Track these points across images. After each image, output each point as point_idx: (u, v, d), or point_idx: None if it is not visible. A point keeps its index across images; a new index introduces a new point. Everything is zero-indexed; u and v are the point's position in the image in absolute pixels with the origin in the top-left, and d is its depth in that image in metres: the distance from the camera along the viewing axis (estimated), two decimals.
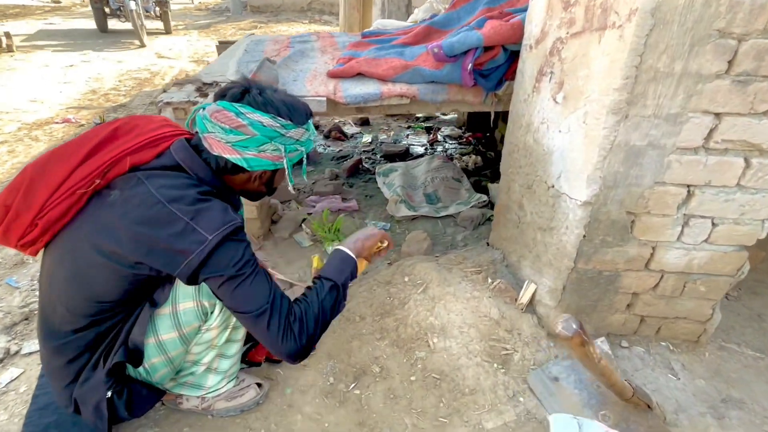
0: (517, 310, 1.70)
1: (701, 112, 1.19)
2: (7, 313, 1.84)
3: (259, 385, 1.46)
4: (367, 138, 3.91)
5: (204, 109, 1.09)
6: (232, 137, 1.05)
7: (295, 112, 1.09)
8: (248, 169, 1.10)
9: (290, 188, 1.20)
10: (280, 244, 2.33)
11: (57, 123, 4.03)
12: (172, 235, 0.97)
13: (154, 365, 1.18)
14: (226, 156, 1.07)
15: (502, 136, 3.47)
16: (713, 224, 1.36)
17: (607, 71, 1.19)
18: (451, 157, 3.23)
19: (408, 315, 1.72)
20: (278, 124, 1.06)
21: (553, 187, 1.52)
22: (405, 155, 3.46)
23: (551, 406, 1.41)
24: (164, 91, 1.85)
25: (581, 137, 1.33)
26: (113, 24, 8.68)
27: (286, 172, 1.15)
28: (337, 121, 4.32)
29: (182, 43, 8.23)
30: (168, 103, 1.72)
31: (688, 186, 1.31)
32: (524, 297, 1.70)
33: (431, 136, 3.91)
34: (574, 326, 0.89)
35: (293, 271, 2.10)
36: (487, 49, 1.77)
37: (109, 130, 1.10)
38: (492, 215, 2.49)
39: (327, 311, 1.13)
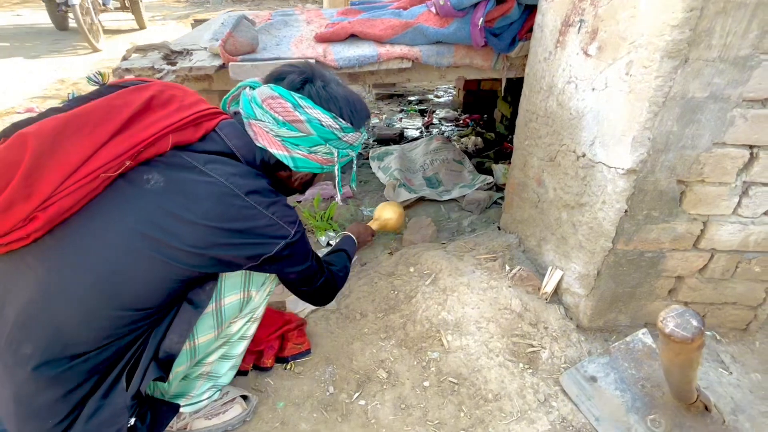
0: (542, 301, 1.48)
1: None
2: None
3: (245, 398, 1.22)
4: None
5: (253, 89, 0.97)
6: (284, 131, 0.94)
7: (358, 114, 1.00)
8: (293, 169, 1.00)
9: (338, 199, 1.19)
10: None
11: (19, 113, 3.70)
12: (255, 231, 0.89)
13: (177, 374, 1.02)
14: (272, 150, 0.96)
15: (503, 116, 3.27)
16: None
17: (662, 5, 0.97)
18: (449, 139, 3.00)
19: (416, 310, 1.50)
20: (338, 126, 0.96)
21: (584, 156, 1.30)
22: (399, 139, 3.23)
23: (590, 411, 1.21)
24: (124, 58, 1.58)
25: (624, 93, 1.11)
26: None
27: (336, 180, 1.07)
28: None
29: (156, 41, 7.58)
30: (128, 70, 1.45)
31: (751, 147, 1.10)
32: (549, 285, 1.48)
33: (426, 118, 3.67)
34: (695, 323, 0.67)
35: None
36: (499, 2, 1.54)
37: (143, 99, 0.85)
38: (499, 197, 2.28)
39: (346, 276, 1.29)
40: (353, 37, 1.72)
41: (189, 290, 0.95)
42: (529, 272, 1.54)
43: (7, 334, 0.81)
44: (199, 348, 1.01)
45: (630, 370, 1.27)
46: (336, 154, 1.00)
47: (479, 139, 3.07)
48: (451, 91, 4.53)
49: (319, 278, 1.11)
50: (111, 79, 0.98)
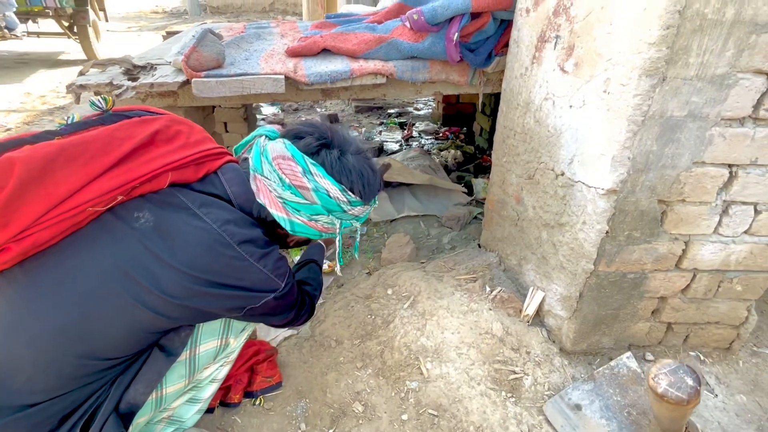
0: (523, 324, 1.43)
1: (752, 72, 0.96)
2: None
3: None
4: None
5: (270, 139, 0.93)
6: (287, 195, 0.88)
7: (369, 188, 0.94)
8: (290, 232, 0.95)
9: (338, 269, 1.23)
10: None
11: None
12: (243, 284, 0.84)
13: (137, 425, 0.92)
14: (271, 210, 0.90)
15: (482, 129, 3.26)
16: (756, 211, 1.14)
17: (640, 22, 0.94)
18: (428, 152, 2.97)
19: (394, 336, 1.42)
20: (345, 199, 0.91)
21: (563, 174, 1.26)
22: (379, 153, 3.18)
23: None
24: (81, 73, 1.48)
25: (602, 111, 1.08)
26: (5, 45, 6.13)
27: (337, 250, 1.04)
28: (303, 118, 3.99)
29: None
30: (82, 87, 1.36)
31: (730, 166, 1.08)
32: (530, 307, 1.43)
33: (406, 131, 3.64)
34: (690, 382, 0.61)
35: None
36: (474, 17, 1.50)
37: (147, 132, 0.80)
38: (480, 213, 2.24)
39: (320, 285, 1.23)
40: (326, 51, 1.67)
41: (163, 336, 0.88)
42: (510, 293, 1.49)
43: None
44: (167, 398, 0.94)
45: (615, 396, 1.22)
46: (338, 225, 0.95)
47: (459, 152, 3.04)
48: (431, 103, 4.52)
49: (301, 313, 1.05)
50: (112, 104, 0.90)
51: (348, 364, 1.39)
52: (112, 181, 0.75)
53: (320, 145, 0.89)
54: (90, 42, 5.84)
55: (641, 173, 1.07)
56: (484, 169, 2.81)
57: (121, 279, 0.75)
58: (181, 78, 1.41)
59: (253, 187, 0.91)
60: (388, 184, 2.35)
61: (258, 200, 0.91)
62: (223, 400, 1.27)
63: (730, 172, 1.09)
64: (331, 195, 0.88)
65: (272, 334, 1.51)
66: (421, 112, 4.32)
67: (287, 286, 0.91)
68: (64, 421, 0.79)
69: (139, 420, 0.91)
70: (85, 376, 0.79)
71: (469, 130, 3.55)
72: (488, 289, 1.54)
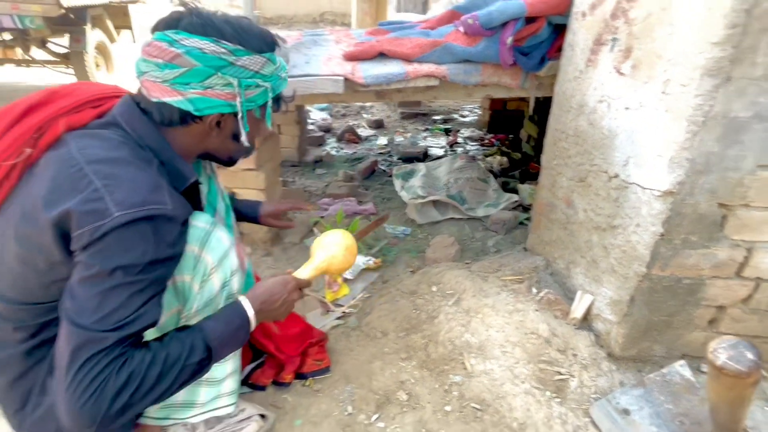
0: (570, 326, 1.42)
1: None
2: None
3: (262, 416, 1.20)
4: (382, 140, 3.69)
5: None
6: (168, 73, 0.82)
7: (246, 33, 0.85)
8: (197, 114, 0.86)
9: (243, 138, 0.92)
10: (290, 249, 2.10)
11: None
12: (71, 207, 0.73)
13: None
14: (166, 99, 0.84)
15: (529, 136, 3.24)
16: None
17: (702, 22, 0.94)
18: (474, 158, 2.98)
19: (438, 331, 1.46)
20: (223, 50, 0.82)
21: (617, 176, 1.26)
22: (423, 157, 3.23)
23: None
24: None
25: (660, 112, 1.08)
26: None
27: (241, 118, 0.88)
28: (350, 123, 4.12)
29: None
30: None
31: None
32: (578, 310, 1.42)
33: (451, 137, 3.67)
34: (751, 356, 0.62)
35: None
36: (528, 22, 1.53)
37: (45, 93, 0.89)
38: (525, 218, 2.23)
39: (178, 381, 0.82)
40: (381, 55, 1.74)
41: None
42: (557, 296, 1.48)
43: None
44: (167, 325, 0.91)
45: (667, 404, 1.19)
46: (236, 84, 0.85)
47: (505, 158, 3.04)
48: (477, 110, 4.53)
49: (98, 336, 0.73)
50: None
51: (393, 354, 1.44)
52: (12, 135, 0.83)
53: (176, 18, 0.84)
54: (88, 73, 4.34)
55: (701, 175, 1.06)
56: (530, 176, 2.79)
57: (15, 227, 0.81)
58: None
59: (144, 92, 0.87)
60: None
61: (153, 100, 0.85)
62: (275, 379, 1.34)
63: None
64: (206, 51, 0.81)
65: (321, 322, 1.58)
66: (467, 119, 4.34)
67: (123, 217, 0.73)
68: (44, 365, 0.87)
69: None
70: (39, 318, 0.84)
71: (515, 137, 3.53)
72: (535, 290, 1.54)
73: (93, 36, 4.50)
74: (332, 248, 1.17)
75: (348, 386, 1.34)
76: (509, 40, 1.49)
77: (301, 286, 1.07)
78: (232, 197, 1.40)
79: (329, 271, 1.18)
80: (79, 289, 0.75)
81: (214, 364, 0.94)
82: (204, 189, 1.08)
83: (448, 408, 1.26)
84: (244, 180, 1.93)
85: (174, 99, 0.84)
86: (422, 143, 3.60)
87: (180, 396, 1.07)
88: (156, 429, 1.14)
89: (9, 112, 0.86)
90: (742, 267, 1.18)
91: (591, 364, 1.33)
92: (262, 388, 1.33)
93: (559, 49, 1.61)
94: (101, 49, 4.87)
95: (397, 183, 2.66)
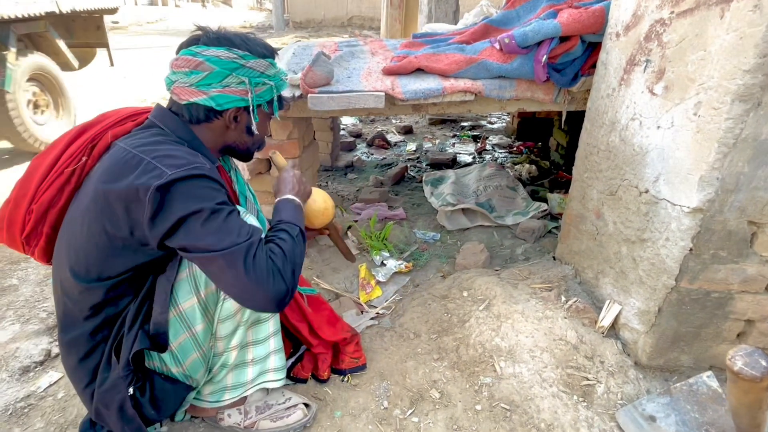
0: (598, 334, 1.48)
1: None
2: (51, 313, 1.79)
3: (306, 405, 1.31)
4: (411, 146, 3.78)
5: None
6: (194, 78, 1.02)
7: (251, 42, 1.07)
8: (217, 108, 1.05)
9: (277, 116, 1.18)
10: (325, 251, 2.20)
11: None
12: (131, 179, 0.91)
13: (182, 346, 1.06)
14: (193, 99, 1.03)
15: (558, 144, 3.26)
16: None
17: (734, 50, 0.99)
18: (503, 165, 3.03)
19: (469, 334, 1.53)
20: (235, 55, 1.02)
21: (647, 192, 1.31)
22: (452, 164, 3.30)
23: None
24: None
25: (691, 132, 1.13)
26: None
27: (251, 108, 1.08)
28: (379, 129, 4.22)
29: None
30: None
31: None
32: (606, 319, 1.47)
33: (479, 144, 3.73)
34: (764, 363, 0.68)
35: (339, 281, 1.96)
36: (562, 40, 1.59)
37: (96, 117, 1.12)
38: (554, 227, 2.28)
39: (301, 248, 1.07)
40: (419, 70, 1.83)
41: (161, 265, 1.03)
42: (585, 304, 1.54)
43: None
44: (188, 316, 1.04)
45: (693, 413, 1.23)
46: (248, 82, 1.05)
47: (533, 166, 3.08)
48: (505, 117, 4.56)
49: (254, 249, 0.93)
50: None
51: (425, 355, 1.52)
52: (72, 147, 1.04)
53: (196, 38, 1.05)
54: (14, 122, 2.99)
55: (730, 194, 1.10)
56: (559, 185, 2.83)
57: (81, 217, 0.99)
58: (297, 93, 1.65)
59: (175, 98, 1.06)
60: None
61: (183, 103, 1.04)
62: (314, 373, 1.45)
63: None
64: (222, 57, 1.01)
65: (356, 322, 1.68)
66: (495, 126, 4.38)
67: (177, 173, 0.90)
68: (108, 343, 1.04)
69: (180, 339, 1.04)
70: (102, 298, 1.01)
71: (544, 145, 3.56)
72: (563, 298, 1.60)
73: (24, 65, 3.04)
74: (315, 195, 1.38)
75: (383, 383, 1.43)
76: (544, 58, 1.55)
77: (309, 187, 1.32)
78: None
79: (309, 211, 1.36)
80: (205, 231, 0.92)
81: (254, 347, 1.18)
82: (234, 179, 1.26)
83: (478, 407, 1.33)
84: None
85: (200, 98, 1.03)
86: (451, 150, 3.67)
87: (229, 379, 1.19)
88: (211, 411, 1.27)
89: (66, 135, 1.07)
90: None
91: (618, 372, 1.38)
92: (303, 381, 1.43)
93: (593, 66, 1.67)
94: (45, 83, 3.30)
95: (427, 189, 2.74)
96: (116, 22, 14.12)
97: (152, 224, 0.91)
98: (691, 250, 1.19)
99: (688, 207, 1.15)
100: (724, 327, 1.30)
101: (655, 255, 1.29)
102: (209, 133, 1.10)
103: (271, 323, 1.21)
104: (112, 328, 1.04)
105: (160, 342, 1.03)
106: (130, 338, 1.01)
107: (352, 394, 1.40)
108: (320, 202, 1.37)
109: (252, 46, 1.06)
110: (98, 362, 1.05)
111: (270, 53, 1.10)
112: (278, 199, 1.20)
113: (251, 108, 1.08)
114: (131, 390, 1.02)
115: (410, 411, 1.34)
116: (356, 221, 2.40)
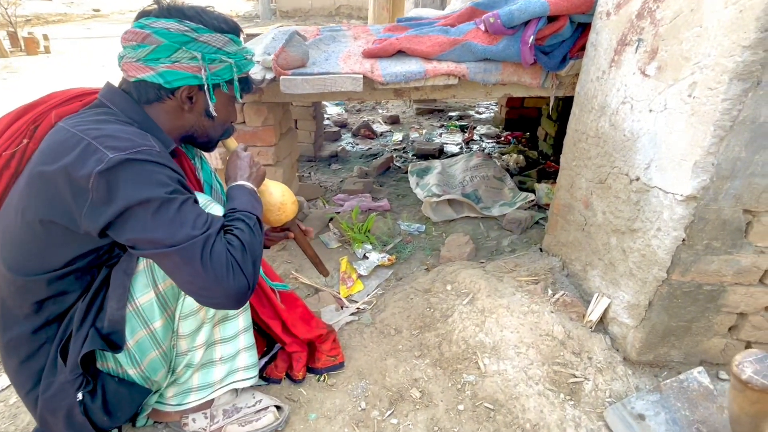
0: (586, 329, 1.41)
1: None
2: None
3: (278, 408, 1.22)
4: (397, 136, 3.69)
5: None
6: (141, 52, 0.92)
7: (206, 14, 0.96)
8: (167, 86, 0.95)
9: (211, 107, 1.02)
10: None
11: None
12: (67, 161, 0.80)
13: (139, 344, 0.97)
14: (141, 75, 0.93)
15: (546, 134, 3.20)
16: None
17: (733, 25, 0.92)
18: (490, 156, 2.96)
19: (452, 330, 1.46)
20: (186, 28, 0.93)
21: (638, 179, 1.24)
22: (439, 154, 3.22)
23: None
24: None
25: (685, 115, 1.06)
26: None
27: (208, 90, 0.98)
28: (365, 119, 4.12)
29: None
30: None
31: None
32: (594, 313, 1.41)
33: (467, 134, 3.65)
34: None
35: (319, 275, 1.88)
36: (550, 20, 1.51)
37: (43, 96, 1.01)
38: (542, 218, 2.21)
39: (260, 238, 0.97)
40: (400, 53, 1.74)
41: (112, 256, 0.94)
42: (573, 298, 1.47)
43: None
44: (145, 311, 0.95)
45: (683, 411, 1.18)
46: (201, 57, 0.94)
47: (521, 157, 3.01)
48: (493, 107, 4.48)
49: (211, 242, 0.84)
50: None
51: (406, 352, 1.45)
52: (12, 129, 0.95)
53: (148, 9, 0.95)
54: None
55: (726, 180, 1.04)
56: (547, 175, 2.77)
57: (17, 204, 0.89)
58: (269, 75, 1.54)
59: (124, 75, 0.97)
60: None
61: (132, 80, 0.95)
62: (288, 373, 1.37)
63: None
64: (171, 29, 0.91)
65: (335, 318, 1.60)
66: (483, 116, 4.31)
67: (120, 156, 0.79)
68: (53, 343, 0.93)
69: (137, 336, 0.95)
70: (44, 293, 0.90)
71: (532, 135, 3.50)
72: (550, 292, 1.53)
73: None
74: (272, 187, 1.22)
75: (362, 382, 1.36)
76: (531, 38, 1.47)
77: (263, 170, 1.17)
78: None
79: (265, 197, 1.19)
80: (156, 223, 0.82)
81: (222, 345, 1.11)
82: (198, 167, 1.16)
83: (461, 407, 1.27)
84: None
85: (147, 74, 0.93)
86: (438, 140, 3.59)
87: (196, 379, 1.11)
88: (175, 416, 1.18)
89: (6, 116, 0.96)
90: (766, 274, 1.15)
91: (606, 368, 1.32)
92: (277, 382, 1.35)
93: (581, 49, 1.59)
94: None
95: (413, 180, 2.66)
96: (97, 10, 13.71)
97: (92, 213, 0.81)
98: (683, 240, 1.13)
99: (682, 195, 1.08)
100: (716, 320, 1.25)
101: (645, 246, 1.22)
102: (164, 114, 0.99)
103: (241, 319, 1.13)
104: (59, 327, 0.95)
105: (114, 341, 0.94)
106: (79, 337, 0.91)
107: (328, 395, 1.32)
108: (277, 195, 1.19)
109: (207, 19, 0.96)
110: (43, 365, 0.95)
111: (231, 29, 0.99)
112: (229, 185, 1.08)
113: (207, 87, 0.98)
114: (80, 395, 0.93)
115: (389, 412, 1.27)
116: (338, 213, 2.31)
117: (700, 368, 1.23)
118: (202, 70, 0.95)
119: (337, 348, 1.42)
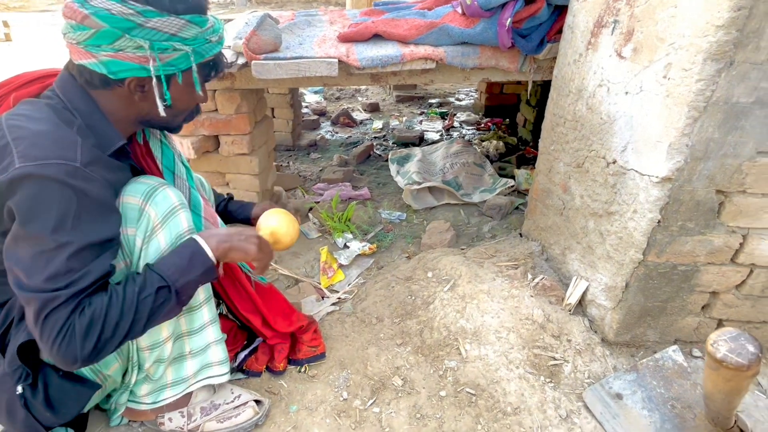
0: (565, 312, 1.43)
1: None
2: None
3: (258, 402, 1.20)
4: (377, 124, 3.64)
5: None
6: (80, 35, 0.81)
7: None
8: (110, 76, 0.84)
9: (160, 107, 0.90)
10: None
11: None
12: None
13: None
14: (83, 61, 0.84)
15: (525, 120, 3.21)
16: None
17: (707, 3, 0.91)
18: (470, 142, 2.95)
19: (434, 317, 1.46)
20: (131, 11, 0.80)
21: (614, 162, 1.24)
22: (419, 142, 3.20)
23: (615, 430, 1.15)
24: None
25: (661, 97, 1.06)
26: None
27: (154, 84, 0.86)
28: (345, 107, 4.05)
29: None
30: None
31: None
32: (573, 296, 1.43)
33: (447, 121, 3.63)
34: (752, 348, 0.62)
35: (299, 266, 1.85)
36: (528, 2, 1.49)
37: (9, 78, 0.94)
38: (521, 203, 2.22)
39: (142, 315, 0.85)
40: (377, 36, 1.70)
41: None
42: (552, 282, 1.48)
43: None
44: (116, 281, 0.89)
45: (659, 388, 1.20)
46: (148, 47, 0.82)
47: (501, 143, 3.01)
48: (473, 94, 4.47)
49: (48, 303, 0.77)
50: None
51: (388, 340, 1.44)
52: None
53: None
54: None
55: (699, 161, 1.05)
56: (526, 161, 2.78)
57: None
58: (241, 61, 1.49)
59: (70, 56, 0.87)
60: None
61: (77, 63, 0.85)
62: (269, 366, 1.34)
63: None
64: (113, 12, 0.79)
65: (316, 308, 1.58)
66: (463, 103, 4.29)
67: (24, 169, 0.74)
68: None
69: None
70: None
71: (512, 122, 3.50)
72: (530, 276, 1.54)
73: None
74: (276, 221, 1.12)
75: (343, 372, 1.34)
76: (508, 21, 1.45)
77: (258, 239, 1.01)
78: (229, 199, 1.38)
79: (276, 237, 1.11)
80: (23, 254, 0.77)
81: (189, 338, 1.04)
82: (157, 154, 1.08)
83: (442, 393, 1.27)
84: (238, 165, 1.89)
85: (89, 61, 0.83)
86: (418, 127, 3.56)
87: (169, 374, 1.08)
88: (151, 414, 1.15)
89: None
90: (737, 253, 1.18)
91: (585, 350, 1.34)
92: (257, 375, 1.33)
93: (559, 32, 1.58)
94: None
95: (393, 168, 2.63)
96: None
97: None
98: (659, 222, 1.14)
99: (657, 177, 1.09)
100: (690, 300, 1.27)
101: (622, 228, 1.23)
102: (115, 100, 0.90)
103: (205, 310, 1.08)
104: None
105: None
106: (19, 328, 0.88)
107: (310, 386, 1.30)
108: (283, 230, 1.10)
109: (158, 0, 0.82)
110: None
111: (189, 8, 0.85)
112: (195, 235, 0.95)
113: (160, 78, 0.86)
114: (20, 388, 0.89)
115: (371, 401, 1.26)
116: (318, 203, 2.28)
117: (675, 347, 1.26)
118: (151, 61, 0.84)
119: (318, 338, 1.40)
